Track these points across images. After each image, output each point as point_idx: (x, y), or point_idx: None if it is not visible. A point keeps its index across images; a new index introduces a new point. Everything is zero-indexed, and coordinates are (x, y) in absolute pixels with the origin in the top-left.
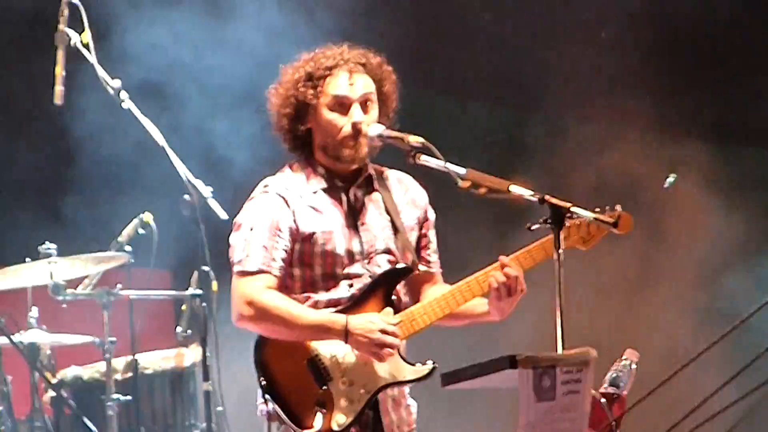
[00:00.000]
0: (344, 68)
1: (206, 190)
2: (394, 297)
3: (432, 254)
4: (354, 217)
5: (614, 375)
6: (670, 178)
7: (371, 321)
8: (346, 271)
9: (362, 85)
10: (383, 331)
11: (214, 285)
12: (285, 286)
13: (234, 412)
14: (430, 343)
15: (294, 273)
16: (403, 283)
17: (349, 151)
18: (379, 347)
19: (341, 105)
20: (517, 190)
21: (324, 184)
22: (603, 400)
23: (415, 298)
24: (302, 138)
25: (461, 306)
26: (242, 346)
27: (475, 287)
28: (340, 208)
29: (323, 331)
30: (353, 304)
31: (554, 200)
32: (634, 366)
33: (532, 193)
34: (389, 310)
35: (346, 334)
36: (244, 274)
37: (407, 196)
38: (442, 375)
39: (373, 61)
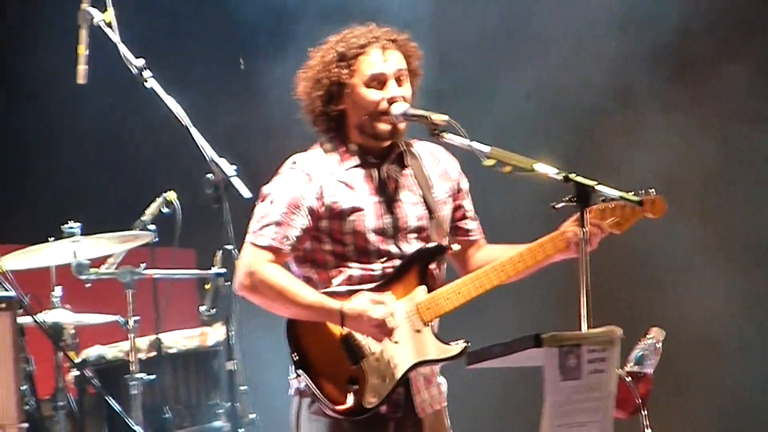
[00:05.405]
0: (376, 45)
1: (230, 169)
2: (431, 274)
3: (470, 222)
4: (386, 193)
5: (639, 353)
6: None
7: (365, 309)
8: (378, 248)
9: (395, 60)
10: (376, 324)
11: (238, 263)
12: (316, 260)
13: (258, 391)
14: (457, 322)
15: (325, 248)
16: (438, 260)
17: (385, 126)
18: (373, 334)
19: (377, 81)
20: (542, 168)
21: (357, 161)
22: (629, 379)
23: (464, 267)
24: (336, 119)
25: (495, 283)
26: (267, 324)
27: (524, 262)
28: (372, 184)
29: (318, 313)
30: (387, 282)
31: (579, 178)
32: (659, 344)
33: (558, 171)
34: (423, 288)
35: (341, 318)
36: (254, 245)
37: (439, 168)
38: (467, 354)
39: (401, 38)
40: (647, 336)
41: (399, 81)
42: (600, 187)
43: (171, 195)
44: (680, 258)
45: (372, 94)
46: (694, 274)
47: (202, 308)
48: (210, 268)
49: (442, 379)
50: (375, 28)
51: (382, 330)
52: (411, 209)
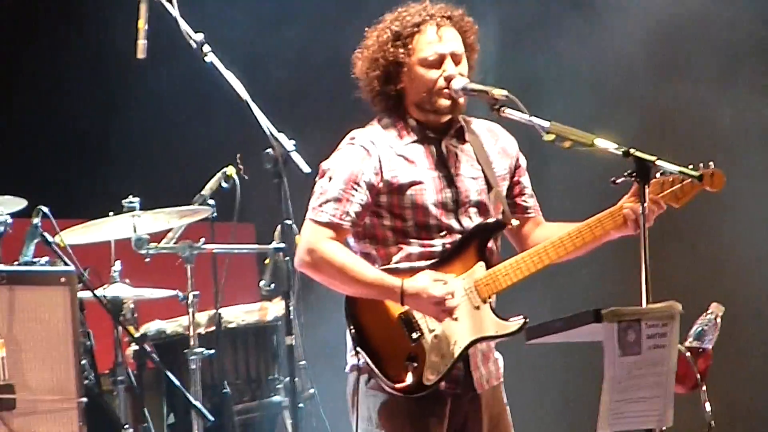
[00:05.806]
0: (431, 23)
1: (289, 144)
2: (489, 250)
3: (528, 199)
4: (447, 168)
5: (699, 329)
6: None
7: (425, 287)
8: (439, 222)
9: (451, 38)
10: (436, 302)
11: (298, 239)
12: (375, 236)
13: (316, 366)
14: (514, 298)
15: (384, 224)
16: (497, 236)
17: (445, 101)
18: (433, 313)
19: (433, 60)
20: (602, 143)
21: (416, 136)
22: (688, 354)
23: (522, 244)
24: (394, 98)
25: (557, 258)
26: (325, 300)
27: (580, 238)
28: (432, 159)
29: (378, 291)
30: (445, 258)
31: (639, 153)
32: (719, 320)
33: (617, 146)
34: (482, 264)
35: (401, 296)
36: (314, 221)
37: (498, 146)
38: (526, 329)
39: (456, 14)
40: (707, 311)
41: (455, 58)
42: (660, 162)
43: (230, 170)
44: (742, 233)
45: (429, 73)
46: (756, 249)
47: (262, 283)
48: (269, 243)
49: (498, 355)
50: (429, 5)
51: (443, 309)
52: (471, 183)
